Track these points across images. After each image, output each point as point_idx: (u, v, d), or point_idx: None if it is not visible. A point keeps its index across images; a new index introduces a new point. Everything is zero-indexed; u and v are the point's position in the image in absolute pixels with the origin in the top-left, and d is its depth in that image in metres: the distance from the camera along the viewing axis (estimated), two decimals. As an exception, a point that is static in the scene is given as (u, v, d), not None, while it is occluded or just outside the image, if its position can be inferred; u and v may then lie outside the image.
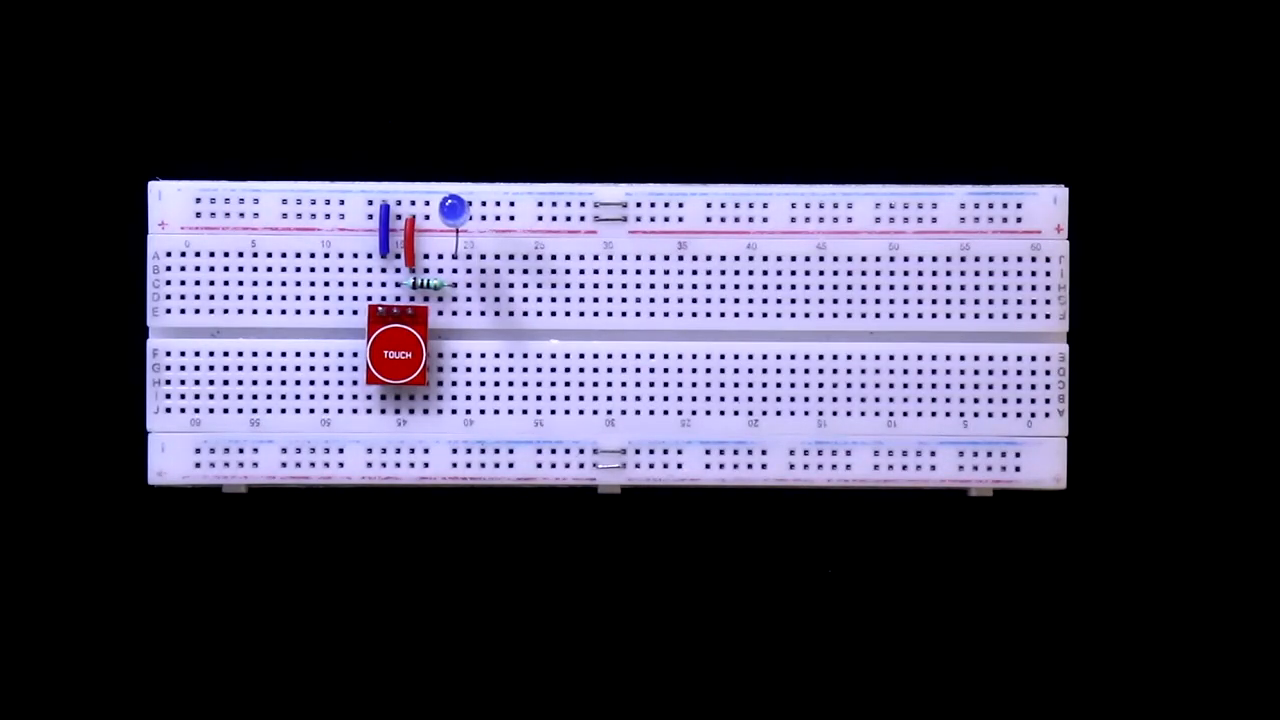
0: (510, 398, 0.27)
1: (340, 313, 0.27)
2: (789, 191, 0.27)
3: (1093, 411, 0.28)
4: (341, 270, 0.27)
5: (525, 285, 0.27)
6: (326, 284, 0.27)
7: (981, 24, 0.28)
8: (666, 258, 0.27)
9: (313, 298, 0.27)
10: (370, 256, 0.27)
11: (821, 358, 0.27)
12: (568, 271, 0.27)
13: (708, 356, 0.27)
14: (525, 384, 0.27)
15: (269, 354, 0.27)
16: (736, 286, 0.27)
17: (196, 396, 0.27)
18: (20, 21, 0.28)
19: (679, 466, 0.27)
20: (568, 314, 0.27)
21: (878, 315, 0.27)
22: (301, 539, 0.28)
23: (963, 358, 0.27)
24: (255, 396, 0.27)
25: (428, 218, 0.27)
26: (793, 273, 0.27)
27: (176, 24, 0.28)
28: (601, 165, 0.28)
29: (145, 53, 0.28)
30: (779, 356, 0.27)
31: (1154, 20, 0.28)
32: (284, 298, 0.27)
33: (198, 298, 0.27)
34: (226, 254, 0.27)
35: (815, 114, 0.28)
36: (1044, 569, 0.28)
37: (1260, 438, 0.28)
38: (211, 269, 0.27)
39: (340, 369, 0.27)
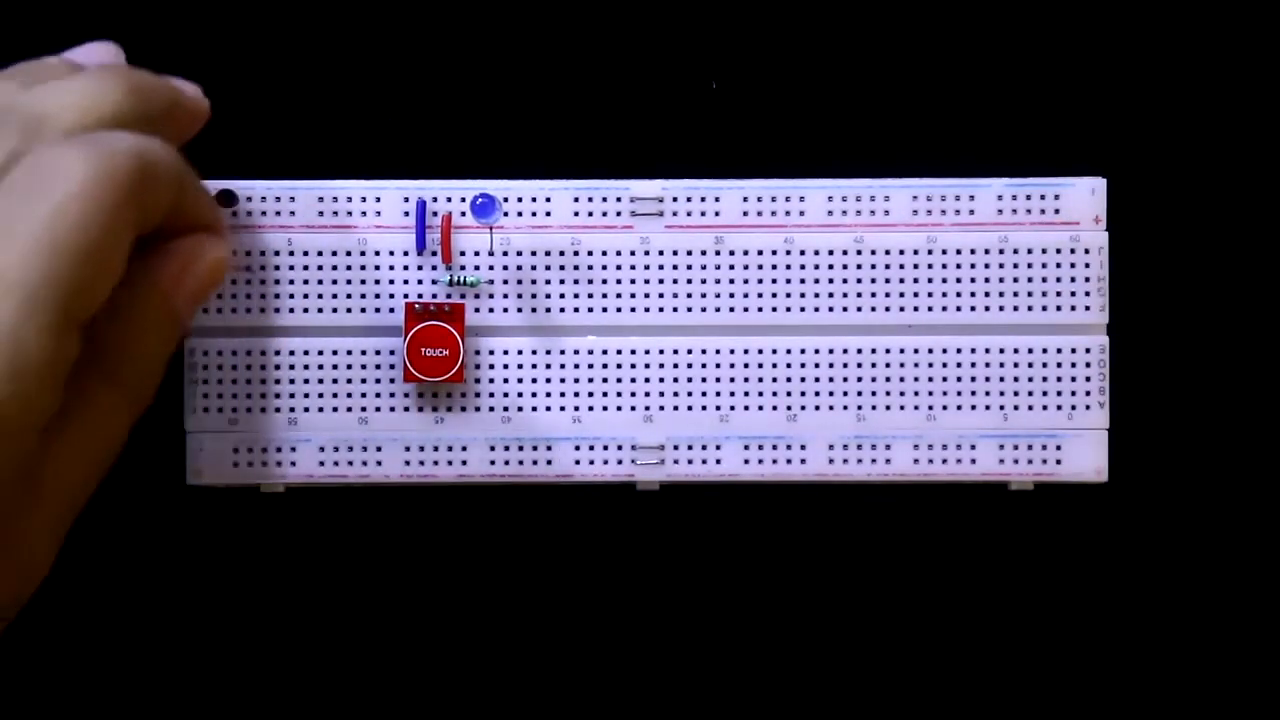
0: (548, 394, 0.27)
1: (377, 310, 0.27)
2: (825, 185, 0.27)
3: (1133, 403, 0.28)
4: (378, 268, 0.27)
5: (562, 282, 0.27)
6: (363, 282, 0.27)
7: (1019, 15, 0.28)
8: (703, 253, 0.27)
9: (349, 296, 0.27)
10: (406, 254, 0.27)
11: (860, 351, 0.27)
12: (604, 268, 0.27)
13: (745, 351, 0.27)
14: (563, 380, 0.27)
15: (306, 352, 0.27)
16: (774, 281, 0.27)
17: (234, 396, 0.27)
18: (56, 25, 0.28)
19: (718, 462, 0.27)
20: (604, 310, 0.27)
21: (916, 308, 0.27)
22: (339, 538, 0.28)
23: (1002, 350, 0.27)
24: (293, 395, 0.27)
25: (464, 215, 0.27)
26: (830, 267, 0.27)
27: (211, 25, 0.28)
28: (637, 161, 0.28)
29: (180, 53, 0.28)
30: (817, 351, 0.27)
31: (1192, 11, 0.28)
32: (320, 296, 0.27)
33: (234, 296, 0.27)
34: (263, 253, 0.27)
35: (851, 107, 0.28)
36: (1086, 562, 0.28)
37: (1302, 429, 0.28)
38: (248, 268, 0.27)
39: (378, 367, 0.27)
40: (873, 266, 0.27)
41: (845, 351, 0.27)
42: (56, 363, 0.20)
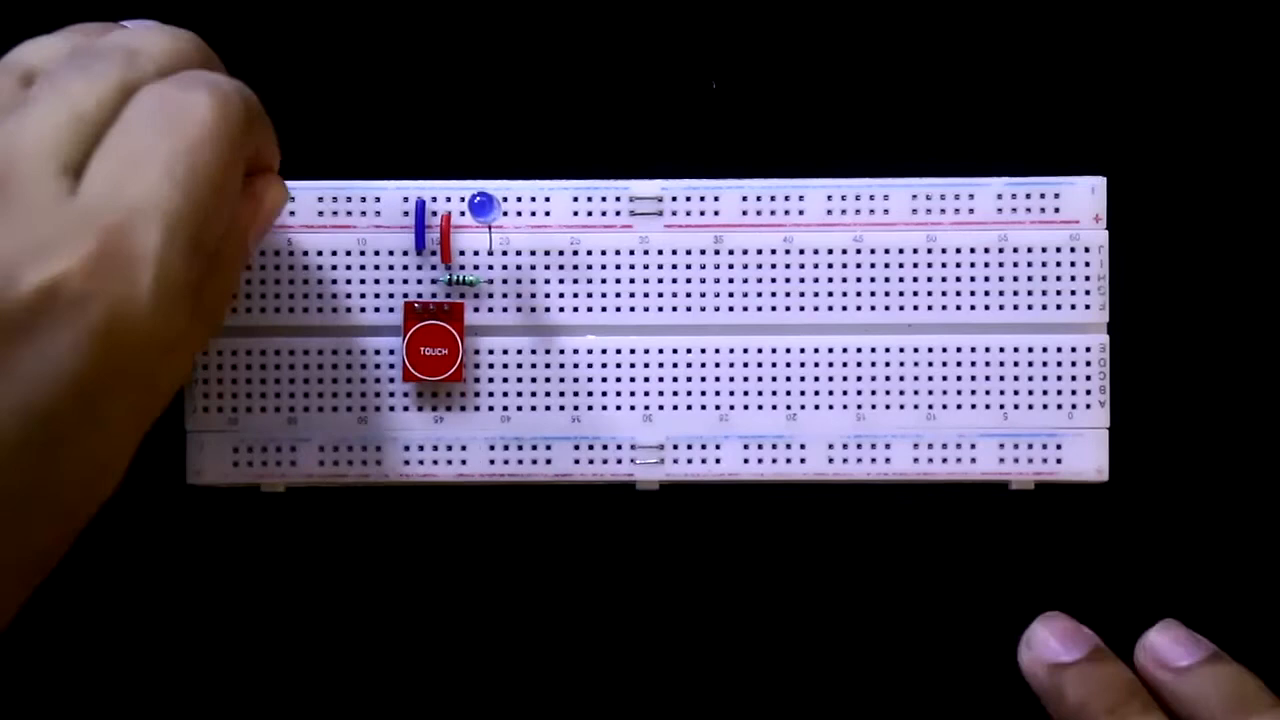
0: (547, 394, 0.27)
1: (377, 310, 0.27)
2: (825, 184, 0.27)
3: (1134, 402, 0.28)
4: (378, 268, 0.27)
5: (561, 281, 0.27)
6: (363, 281, 0.27)
7: (1019, 15, 0.28)
8: (703, 252, 0.27)
9: (349, 295, 0.27)
10: (406, 254, 0.27)
11: (860, 351, 0.27)
12: (603, 267, 0.27)
13: (745, 351, 0.27)
14: (562, 380, 0.27)
15: (306, 352, 0.27)
16: (773, 280, 0.27)
17: (234, 396, 0.27)
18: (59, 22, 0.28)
19: (717, 461, 0.27)
20: (604, 310, 0.27)
21: (916, 307, 0.27)
22: (340, 538, 0.28)
23: (1002, 349, 0.27)
24: (293, 395, 0.27)
25: (463, 214, 0.27)
26: (830, 266, 0.27)
27: (210, 25, 0.28)
28: (636, 161, 0.28)
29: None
30: (817, 350, 0.27)
31: (1192, 11, 0.28)
32: (320, 296, 0.27)
33: (234, 296, 0.27)
34: (263, 253, 0.27)
35: (851, 107, 0.28)
36: (1086, 562, 0.28)
37: (1303, 428, 0.28)
38: (249, 267, 0.27)
39: (377, 366, 0.27)
40: (872, 266, 0.27)
41: (845, 351, 0.27)
42: (192, 286, 0.21)
